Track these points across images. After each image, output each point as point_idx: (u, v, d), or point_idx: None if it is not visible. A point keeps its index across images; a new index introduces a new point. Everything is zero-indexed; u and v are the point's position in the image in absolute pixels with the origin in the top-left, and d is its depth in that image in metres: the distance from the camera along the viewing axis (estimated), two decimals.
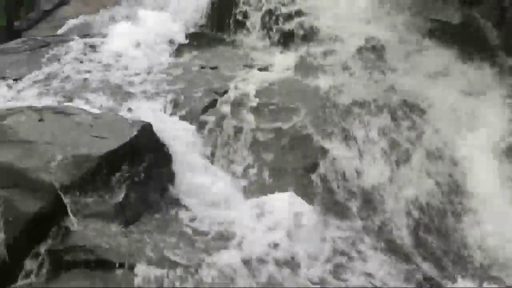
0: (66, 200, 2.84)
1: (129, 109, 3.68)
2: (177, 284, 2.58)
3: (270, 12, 4.91)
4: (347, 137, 3.82)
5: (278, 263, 2.78)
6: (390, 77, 4.35)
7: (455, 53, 4.55)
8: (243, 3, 5.08)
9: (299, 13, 4.90)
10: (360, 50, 4.60)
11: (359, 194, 3.58)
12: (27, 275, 2.72)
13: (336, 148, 3.75)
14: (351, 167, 3.65)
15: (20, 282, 2.71)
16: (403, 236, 3.44)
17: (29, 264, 2.74)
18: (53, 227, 2.81)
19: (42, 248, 2.75)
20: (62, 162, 2.91)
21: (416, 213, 3.55)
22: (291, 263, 2.82)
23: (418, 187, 3.64)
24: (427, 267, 3.30)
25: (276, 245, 2.86)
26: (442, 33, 4.68)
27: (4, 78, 4.10)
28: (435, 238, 3.51)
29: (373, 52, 4.60)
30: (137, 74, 4.36)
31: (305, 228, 3.03)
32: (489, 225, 3.53)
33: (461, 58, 4.50)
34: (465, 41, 4.62)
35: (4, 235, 2.70)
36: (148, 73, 4.44)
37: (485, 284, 3.21)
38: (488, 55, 4.53)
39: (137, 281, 2.60)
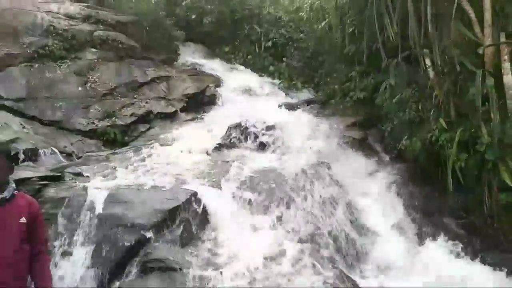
0: (150, 234, 5.08)
1: (184, 183, 6.08)
2: (213, 282, 4.66)
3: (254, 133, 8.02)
4: None
5: None
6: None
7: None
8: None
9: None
10: None
11: None
12: (126, 276, 4.87)
13: None
14: None
15: (121, 280, 4.85)
16: None
17: (128, 269, 4.90)
18: (142, 248, 5.01)
19: (136, 259, 4.92)
20: (148, 213, 5.21)
21: None
22: None
23: None
24: None
25: None
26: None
27: (115, 168, 6.70)
28: None
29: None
30: (187, 166, 6.93)
31: None
32: None
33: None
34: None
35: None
36: (196, 163, 7.02)
37: None
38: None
39: (190, 279, 4.69)
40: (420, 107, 6.84)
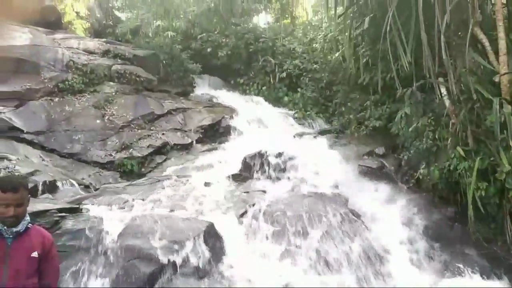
0: (167, 266, 5.06)
1: (201, 214, 6.08)
2: None
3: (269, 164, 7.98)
4: None
5: None
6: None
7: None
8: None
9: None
10: None
11: None
12: None
13: None
14: None
15: None
16: None
17: None
18: (159, 280, 4.98)
19: None
20: (164, 244, 5.21)
21: None
22: None
23: None
24: None
25: None
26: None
27: (132, 199, 6.74)
28: None
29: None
30: (206, 195, 6.95)
31: None
32: None
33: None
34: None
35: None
36: (213, 194, 7.09)
37: None
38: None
39: None
40: (437, 136, 6.80)
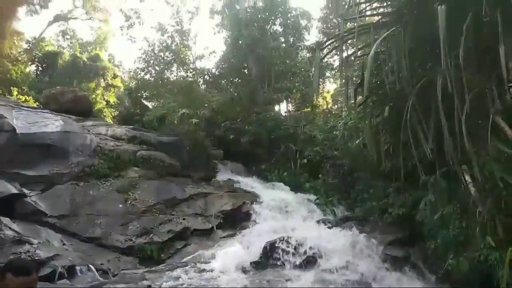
0: None
1: None
2: None
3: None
4: None
5: None
6: None
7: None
8: None
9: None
10: None
11: None
12: None
13: None
14: None
15: None
16: None
17: None
18: None
19: None
20: None
21: None
22: None
23: None
24: None
25: None
26: None
27: (150, 286, 6.59)
28: None
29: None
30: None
31: None
32: None
33: None
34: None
35: None
36: (232, 282, 6.90)
37: None
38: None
39: None
40: (464, 224, 6.58)
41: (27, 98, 17.79)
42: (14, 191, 8.92)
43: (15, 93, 17.94)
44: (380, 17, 7.93)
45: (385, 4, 8.61)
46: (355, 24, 7.67)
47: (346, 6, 9.67)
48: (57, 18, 26.98)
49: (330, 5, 20.59)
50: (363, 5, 8.49)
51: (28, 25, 56.89)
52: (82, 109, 15.58)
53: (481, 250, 5.97)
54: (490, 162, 6.11)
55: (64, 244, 8.44)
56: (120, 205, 10.01)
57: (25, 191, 9.22)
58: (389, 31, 7.07)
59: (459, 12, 6.09)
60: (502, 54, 5.45)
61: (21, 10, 24.41)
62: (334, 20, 20.09)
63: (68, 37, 28.00)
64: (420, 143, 6.90)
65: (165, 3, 18.73)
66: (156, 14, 49.03)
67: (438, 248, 7.24)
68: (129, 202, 10.21)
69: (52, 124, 11.34)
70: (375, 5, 8.56)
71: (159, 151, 12.58)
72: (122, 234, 9.24)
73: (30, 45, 24.12)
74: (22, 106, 13.24)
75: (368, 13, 9.09)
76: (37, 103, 17.24)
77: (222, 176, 14.08)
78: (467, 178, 6.59)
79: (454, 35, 5.87)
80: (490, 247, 5.82)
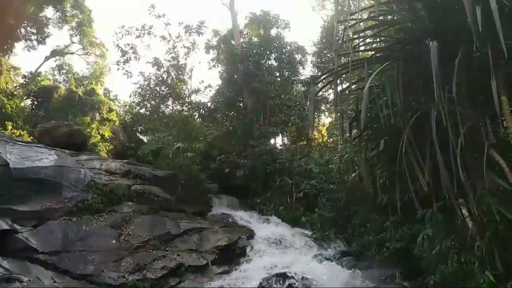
0: None
1: None
2: None
3: None
4: None
5: None
6: None
7: None
8: None
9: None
10: None
11: None
12: None
13: None
14: None
15: None
16: None
17: None
18: None
19: None
20: None
21: None
22: None
23: None
24: None
25: None
26: None
27: None
28: None
29: None
30: None
31: None
32: None
33: None
34: None
35: None
36: None
37: None
38: None
39: None
40: (462, 259, 6.49)
41: (22, 132, 17.77)
42: (5, 227, 8.73)
43: (9, 127, 17.94)
44: (373, 52, 8.04)
45: (378, 40, 8.75)
46: (349, 59, 7.76)
47: (340, 41, 9.84)
48: (54, 53, 27.34)
49: (324, 40, 20.97)
50: (356, 41, 8.63)
51: (25, 60, 57.48)
52: (77, 143, 15.57)
53: (480, 285, 5.86)
54: (487, 196, 6.09)
55: (55, 282, 8.21)
56: (113, 241, 9.82)
57: (17, 227, 9.03)
58: (382, 66, 7.15)
59: (451, 48, 6.20)
60: (494, 88, 5.52)
61: (19, 46, 24.75)
62: (328, 55, 20.41)
63: (64, 71, 28.30)
64: (416, 176, 6.88)
65: (161, 39, 18.91)
66: (153, 49, 49.63)
67: (437, 283, 7.12)
68: (122, 237, 10.02)
69: (46, 158, 11.25)
70: (368, 40, 8.70)
71: (153, 185, 12.48)
72: (115, 270, 9.00)
73: (26, 79, 24.29)
74: (16, 140, 13.16)
75: (362, 48, 9.24)
76: (31, 137, 17.21)
77: (217, 210, 13.94)
78: (464, 211, 6.55)
79: (447, 69, 5.95)
80: (490, 283, 5.72)
